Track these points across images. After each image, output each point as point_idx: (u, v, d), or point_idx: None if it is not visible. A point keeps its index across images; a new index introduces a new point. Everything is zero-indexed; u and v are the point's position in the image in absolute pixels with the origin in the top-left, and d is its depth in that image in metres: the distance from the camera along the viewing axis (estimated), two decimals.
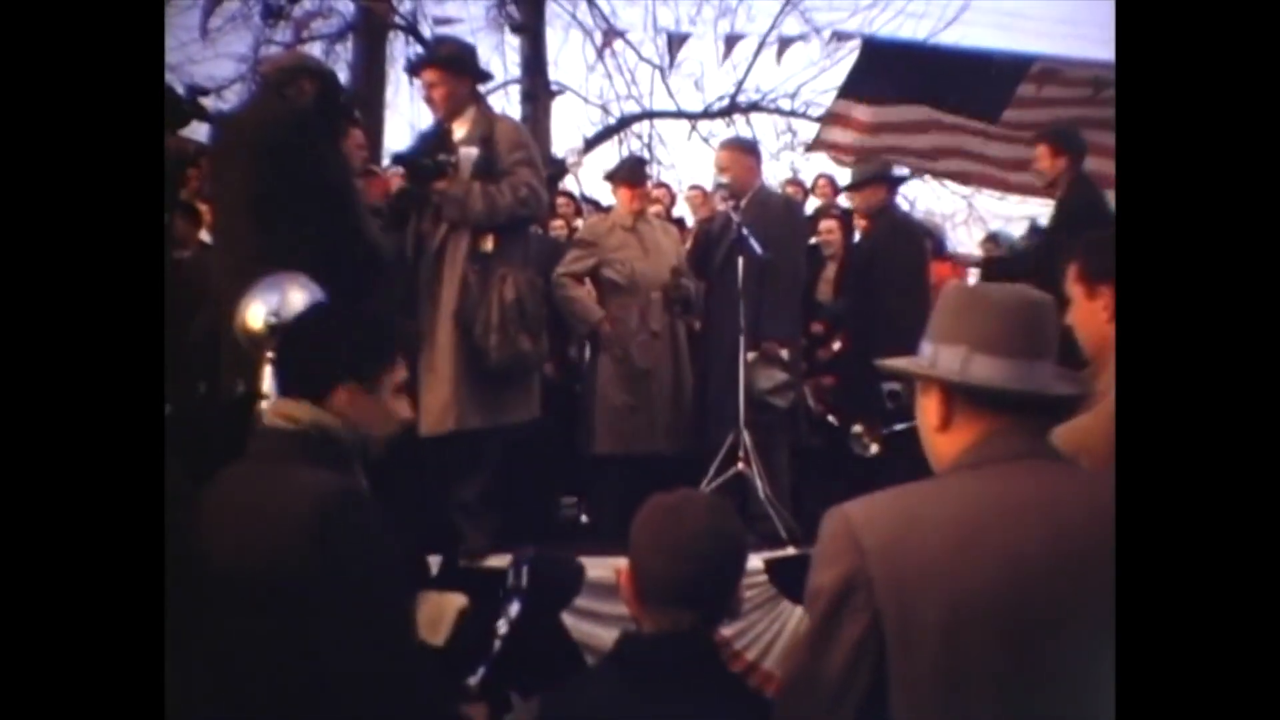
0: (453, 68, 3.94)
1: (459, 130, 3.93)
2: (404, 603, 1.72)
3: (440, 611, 1.86)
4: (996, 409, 1.41)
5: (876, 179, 5.10)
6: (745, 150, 5.01)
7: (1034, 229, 6.02)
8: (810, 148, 6.51)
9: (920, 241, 5.25)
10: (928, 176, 7.60)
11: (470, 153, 3.83)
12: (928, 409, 1.47)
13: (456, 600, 1.91)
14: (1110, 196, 5.49)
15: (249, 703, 1.57)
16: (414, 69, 4.14)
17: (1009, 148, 6.29)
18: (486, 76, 4.42)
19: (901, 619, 1.30)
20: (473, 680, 2.58)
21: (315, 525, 1.59)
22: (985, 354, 1.40)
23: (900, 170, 5.68)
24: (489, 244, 3.80)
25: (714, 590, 1.62)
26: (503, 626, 2.70)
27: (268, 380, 2.42)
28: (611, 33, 10.73)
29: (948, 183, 8.77)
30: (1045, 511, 1.33)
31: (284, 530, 1.59)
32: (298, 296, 2.56)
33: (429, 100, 3.98)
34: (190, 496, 1.67)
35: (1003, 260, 5.68)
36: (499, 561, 3.59)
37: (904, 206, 10.68)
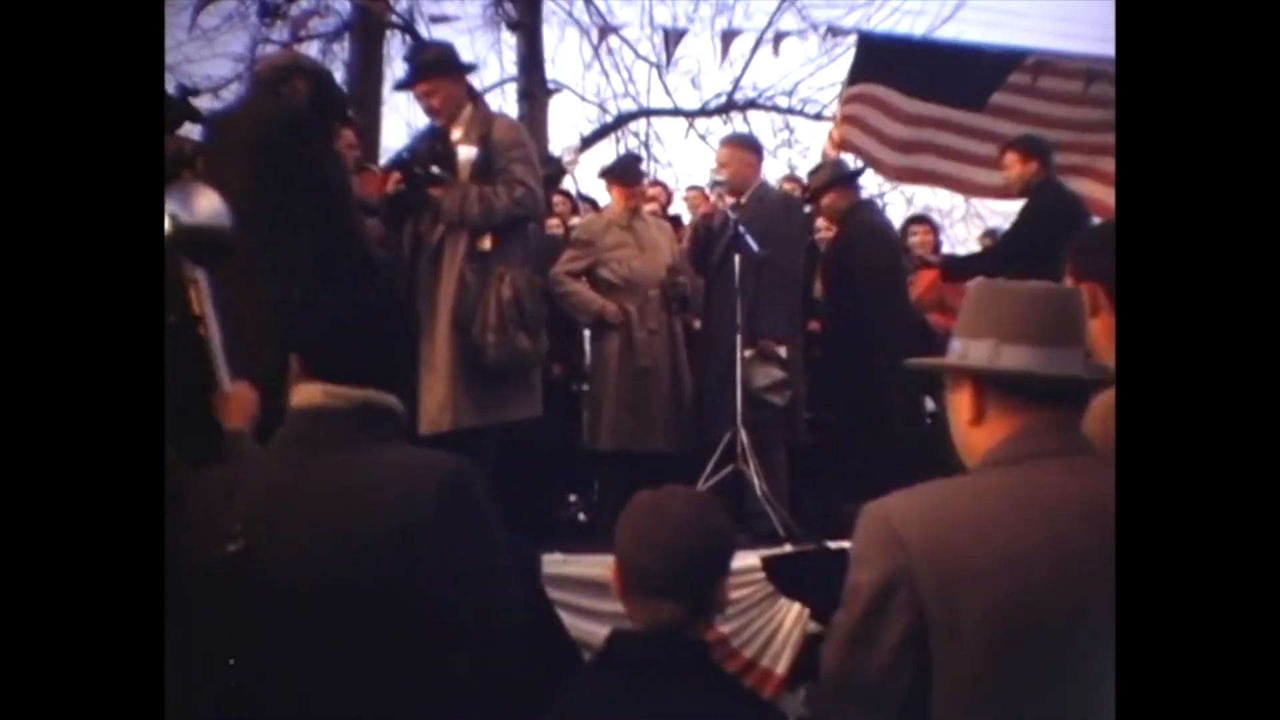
0: (442, 70, 3.92)
1: (457, 130, 3.92)
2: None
3: None
4: (1029, 401, 1.42)
5: (836, 182, 5.04)
6: (746, 147, 4.99)
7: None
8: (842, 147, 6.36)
9: (892, 239, 5.23)
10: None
11: (469, 153, 3.82)
12: (960, 403, 1.48)
13: None
14: (1109, 194, 5.48)
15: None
16: (406, 84, 4.09)
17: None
18: (473, 67, 4.39)
19: (946, 617, 1.29)
20: None
21: (449, 499, 1.54)
22: (1014, 343, 1.41)
23: (856, 166, 5.59)
24: (487, 243, 3.80)
25: (697, 582, 1.64)
26: None
27: (195, 302, 2.39)
28: (607, 29, 10.70)
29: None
30: (1086, 509, 1.33)
31: (409, 511, 1.51)
32: (203, 202, 2.52)
33: (431, 111, 3.94)
34: (220, 496, 1.61)
35: (960, 260, 5.66)
36: None
37: (901, 202, 10.70)
